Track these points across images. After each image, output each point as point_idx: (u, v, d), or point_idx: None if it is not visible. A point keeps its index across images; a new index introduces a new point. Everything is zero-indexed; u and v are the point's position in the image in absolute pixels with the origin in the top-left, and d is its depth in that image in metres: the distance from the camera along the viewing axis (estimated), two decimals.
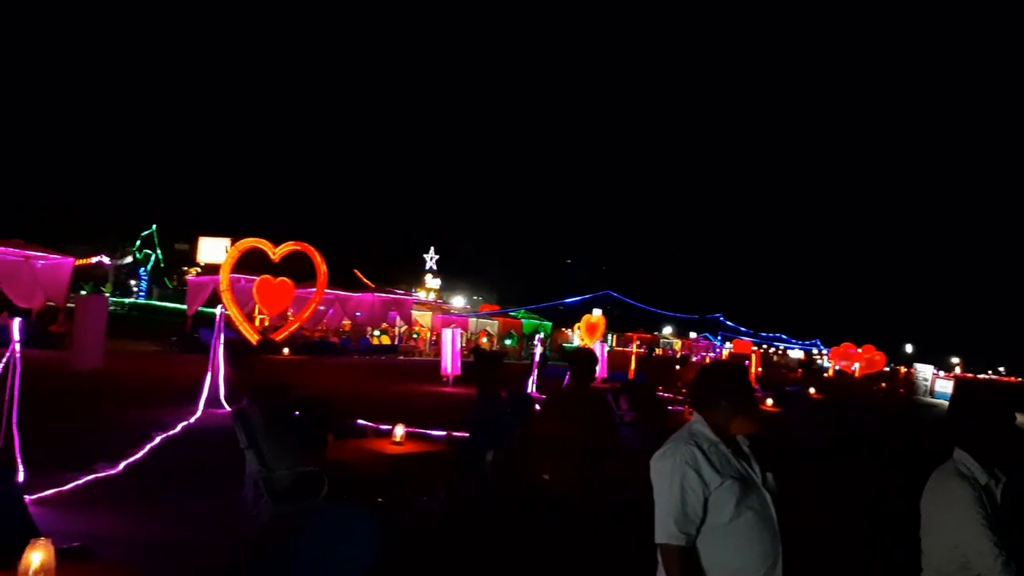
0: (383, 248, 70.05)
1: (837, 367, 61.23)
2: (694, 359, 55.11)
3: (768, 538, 2.47)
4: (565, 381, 20.22)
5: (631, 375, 26.72)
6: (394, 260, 68.12)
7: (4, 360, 6.29)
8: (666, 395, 21.60)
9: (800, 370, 51.93)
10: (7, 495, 3.80)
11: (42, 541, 2.78)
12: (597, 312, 48.99)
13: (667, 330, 73.48)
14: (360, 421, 10.63)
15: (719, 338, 64.12)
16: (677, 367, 37.99)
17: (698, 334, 73.93)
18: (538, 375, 19.19)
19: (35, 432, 6.51)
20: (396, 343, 37.26)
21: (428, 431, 10.33)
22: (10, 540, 2.86)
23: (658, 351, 63.43)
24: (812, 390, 29.61)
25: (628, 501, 5.87)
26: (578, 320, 48.13)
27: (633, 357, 30.15)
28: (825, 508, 8.06)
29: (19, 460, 6.14)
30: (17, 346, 6.26)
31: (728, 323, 60.33)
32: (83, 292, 29.73)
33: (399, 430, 6.86)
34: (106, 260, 46.90)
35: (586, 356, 5.41)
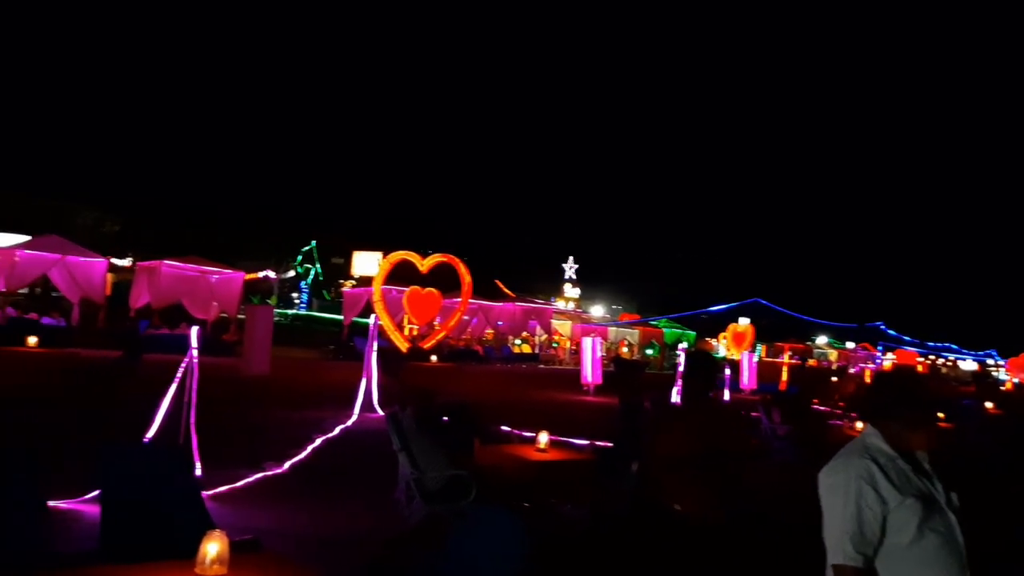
0: (524, 258, 70.92)
1: (1016, 380, 55.39)
2: (852, 371, 51.71)
3: (954, 565, 2.23)
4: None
5: (783, 387, 25.47)
6: (534, 270, 68.78)
7: (183, 366, 6.89)
8: (822, 408, 20.38)
9: (973, 384, 47.41)
10: (187, 490, 4.12)
11: (217, 533, 2.95)
12: (744, 321, 47.10)
13: (821, 339, 69.42)
14: (504, 427, 10.78)
15: (880, 348, 59.84)
16: (834, 379, 35.75)
17: (856, 344, 69.35)
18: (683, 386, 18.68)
19: (209, 432, 7.07)
20: (537, 352, 37.57)
21: (571, 439, 10.30)
22: (189, 532, 3.08)
23: (811, 362, 60.04)
24: (989, 404, 26.92)
25: (780, 516, 5.57)
26: (723, 329, 46.49)
27: (785, 368, 28.74)
28: (1009, 534, 7.28)
29: (196, 457, 6.68)
30: (195, 352, 6.83)
31: (890, 332, 56.24)
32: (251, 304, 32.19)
33: (543, 437, 6.87)
34: (271, 274, 50.61)
35: (701, 358, 5.00)
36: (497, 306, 34.78)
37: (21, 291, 25.91)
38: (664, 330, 43.67)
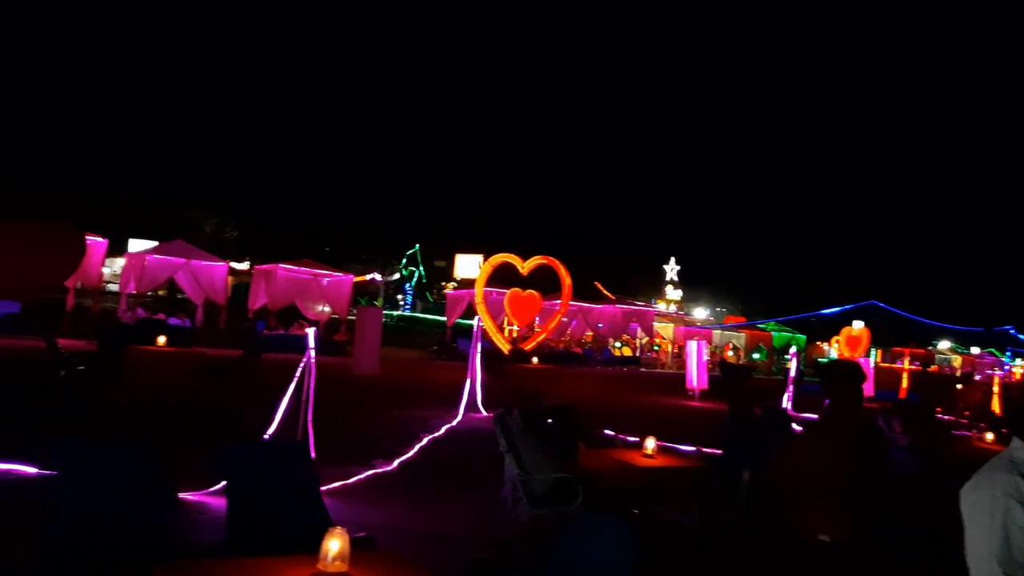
0: (624, 260, 70.13)
1: None
2: (977, 378, 48.27)
3: None
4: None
5: (903, 394, 24.06)
6: (635, 272, 67.90)
7: (302, 365, 7.16)
8: (946, 418, 19.12)
9: None
10: (308, 486, 4.26)
11: (339, 530, 3.03)
12: (859, 324, 44.81)
13: (943, 344, 65.19)
14: (607, 431, 10.66)
15: (1008, 354, 55.52)
16: (959, 386, 33.52)
17: (982, 349, 64.70)
18: (794, 392, 17.98)
19: (323, 429, 7.32)
20: (638, 355, 37.06)
21: (677, 445, 10.08)
22: (309, 527, 3.18)
23: (933, 368, 56.49)
24: None
25: (905, 530, 5.21)
26: (836, 333, 44.38)
27: (905, 374, 27.16)
28: None
29: (312, 454, 6.92)
30: (312, 353, 7.09)
31: (1021, 336, 52.03)
32: (360, 305, 33.35)
33: (650, 443, 6.73)
34: (378, 277, 52.23)
35: (849, 370, 4.69)
36: (597, 308, 34.54)
37: (150, 293, 27.79)
38: (772, 333, 42.17)
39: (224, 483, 5.38)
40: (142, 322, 19.89)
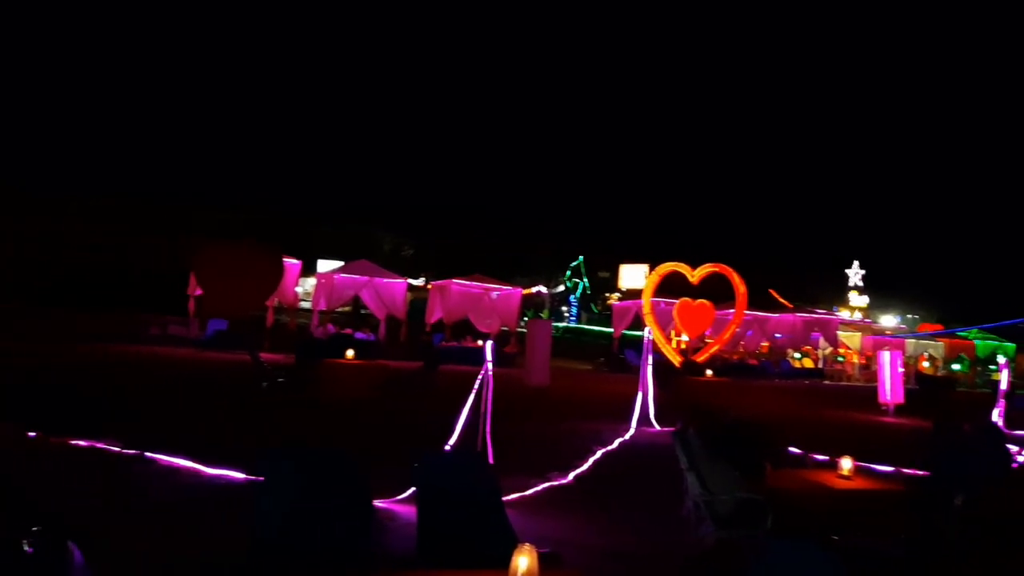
0: (802, 265, 66.31)
1: None
2: None
3: None
4: None
5: None
6: (814, 278, 63.98)
7: (480, 377, 7.35)
8: None
9: None
10: (492, 499, 4.31)
11: (527, 547, 3.00)
12: None
13: None
14: (793, 449, 10.05)
15: None
16: None
17: None
18: (1006, 406, 16.08)
19: (498, 440, 7.46)
20: (820, 366, 34.79)
21: (872, 465, 9.30)
22: (494, 540, 3.19)
23: None
24: None
25: None
26: None
27: None
28: None
29: (492, 463, 7.06)
30: (490, 365, 7.26)
31: None
32: (527, 318, 33.95)
33: (846, 462, 6.23)
34: (544, 289, 53.01)
35: None
36: (774, 317, 32.84)
37: (338, 309, 29.87)
38: (975, 342, 38.11)
39: (413, 491, 5.61)
40: (333, 337, 21.38)
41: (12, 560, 2.50)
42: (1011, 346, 39.09)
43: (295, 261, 24.14)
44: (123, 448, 7.58)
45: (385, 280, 25.47)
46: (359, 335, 22.23)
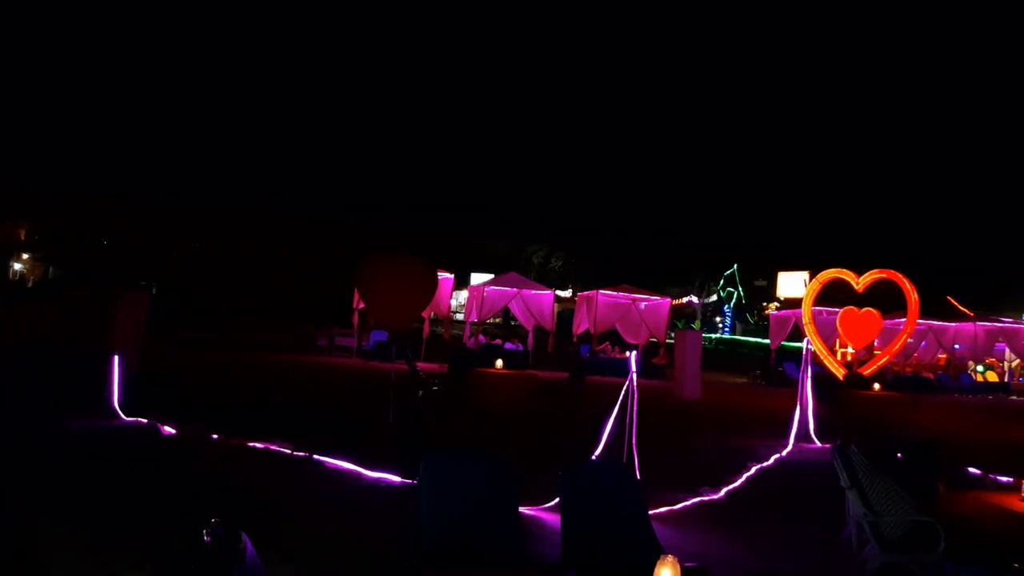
0: (985, 269, 60.36)
1: None
2: None
3: None
4: None
5: None
6: (1001, 282, 58.06)
7: (624, 388, 7.34)
8: None
9: None
10: (637, 511, 4.31)
11: (670, 559, 3.01)
12: None
13: None
14: (971, 469, 9.20)
15: None
16: None
17: None
18: None
19: (648, 453, 7.39)
20: (1006, 380, 31.51)
21: None
22: (639, 551, 3.20)
23: None
24: None
25: None
26: None
27: None
28: None
29: (638, 476, 7.02)
30: (634, 376, 7.23)
31: None
32: (677, 329, 33.27)
33: None
34: (695, 299, 51.71)
35: None
36: (952, 326, 30.15)
37: (489, 320, 30.71)
38: None
39: (559, 500, 5.69)
40: (484, 347, 22.05)
41: (193, 546, 2.86)
42: None
43: (449, 275, 25.10)
44: (294, 451, 8.23)
45: (533, 292, 25.90)
46: (508, 346, 22.78)
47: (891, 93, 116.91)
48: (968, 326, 30.20)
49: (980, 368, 31.83)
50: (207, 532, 2.91)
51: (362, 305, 21.65)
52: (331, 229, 54.11)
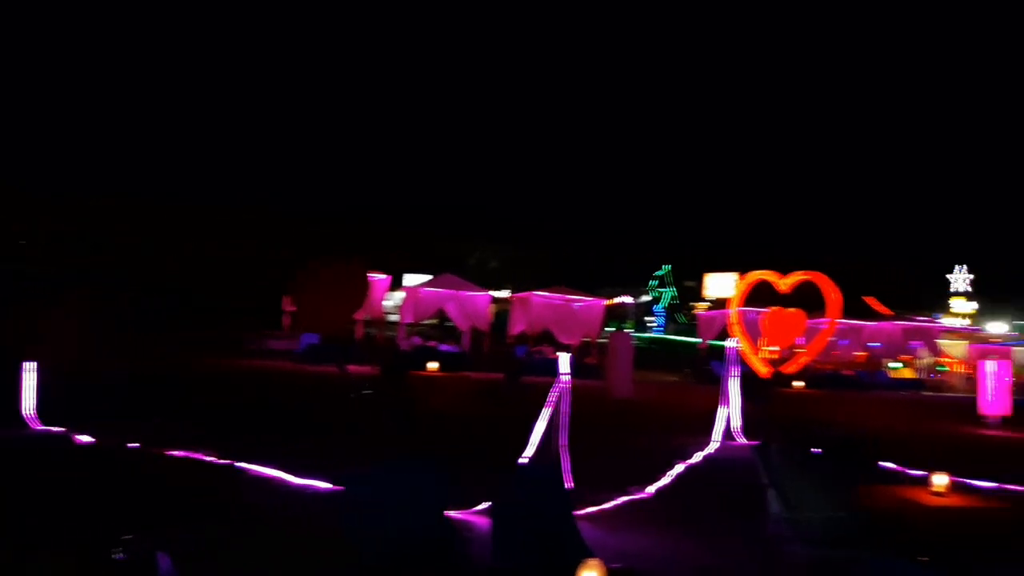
0: (901, 270, 63.22)
1: None
2: None
3: None
4: None
5: None
6: (916, 283, 60.94)
7: (554, 390, 7.38)
8: None
9: None
10: (564, 514, 4.35)
11: (594, 562, 3.05)
12: None
13: None
14: (887, 464, 9.61)
15: None
16: None
17: None
18: None
19: (578, 453, 7.45)
20: (920, 377, 33.12)
21: (973, 481, 8.79)
22: (567, 554, 3.24)
23: None
24: None
25: None
26: None
27: None
28: None
29: (567, 478, 7.05)
30: (565, 378, 7.30)
31: None
32: (609, 329, 33.71)
33: (940, 479, 5.97)
34: (628, 299, 52.58)
35: None
36: (870, 325, 31.50)
37: (424, 322, 30.50)
38: None
39: (488, 504, 5.71)
40: (418, 349, 21.89)
41: (103, 568, 2.74)
42: None
43: (383, 276, 24.83)
44: (218, 458, 8.00)
45: (469, 293, 25.86)
46: (444, 347, 22.68)
47: (813, 97, 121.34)
48: (885, 325, 31.59)
49: (896, 365, 33.32)
50: (119, 551, 2.79)
51: (293, 308, 21.24)
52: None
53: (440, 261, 45.15)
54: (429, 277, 30.04)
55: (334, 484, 6.91)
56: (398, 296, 33.30)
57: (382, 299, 26.26)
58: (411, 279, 40.25)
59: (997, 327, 54.43)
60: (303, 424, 10.93)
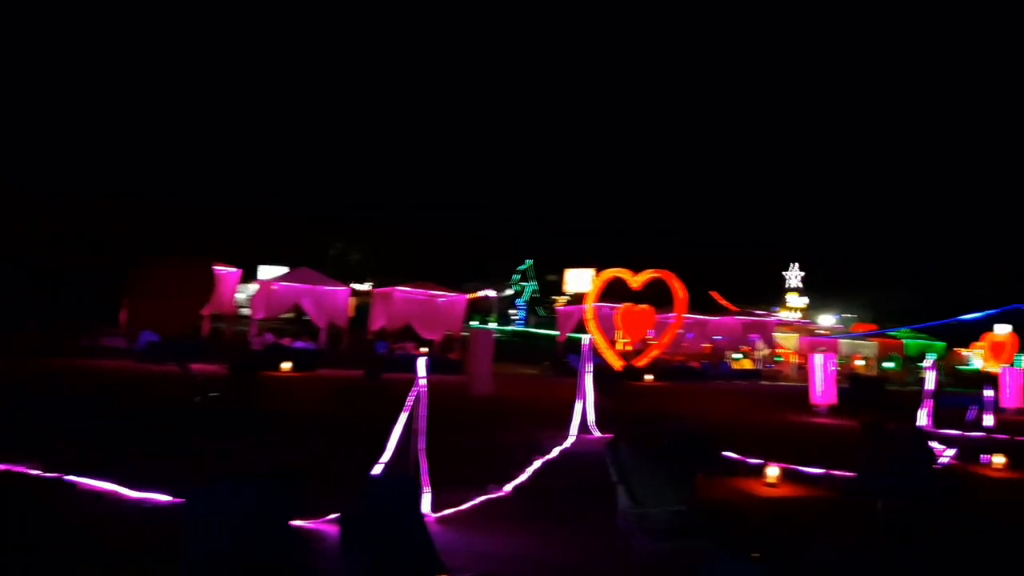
0: (742, 267, 67.77)
1: None
2: None
3: None
4: (970, 414, 17.18)
5: None
6: (755, 279, 65.49)
7: (412, 394, 7.24)
8: None
9: None
10: (416, 526, 4.25)
11: None
12: (1004, 328, 41.23)
13: None
14: (727, 453, 10.21)
15: None
16: None
17: None
18: (933, 405, 16.72)
19: (437, 452, 7.36)
20: (758, 368, 35.63)
21: (802, 468, 9.52)
22: (418, 566, 3.15)
23: None
24: None
25: None
26: (976, 339, 41.13)
27: None
28: None
29: (426, 481, 6.95)
30: (423, 382, 7.19)
31: None
32: (473, 323, 33.95)
33: (772, 470, 6.38)
34: (491, 293, 53.04)
35: None
36: (714, 320, 33.56)
37: (280, 317, 29.31)
38: (905, 341, 39.53)
39: (338, 514, 5.51)
40: (270, 347, 20.96)
41: None
42: (941, 345, 40.57)
43: (234, 269, 23.60)
44: (43, 471, 7.28)
45: (327, 288, 25.10)
46: (299, 344, 21.85)
47: (677, 100, 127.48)
48: (727, 319, 33.76)
49: (737, 356, 35.65)
50: None
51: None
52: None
53: (301, 252, 43.96)
54: (286, 270, 28.90)
55: (176, 496, 6.46)
56: (251, 289, 31.83)
57: (233, 293, 24.97)
58: (267, 271, 38.57)
59: (826, 320, 59.56)
60: (141, 431, 10.16)
